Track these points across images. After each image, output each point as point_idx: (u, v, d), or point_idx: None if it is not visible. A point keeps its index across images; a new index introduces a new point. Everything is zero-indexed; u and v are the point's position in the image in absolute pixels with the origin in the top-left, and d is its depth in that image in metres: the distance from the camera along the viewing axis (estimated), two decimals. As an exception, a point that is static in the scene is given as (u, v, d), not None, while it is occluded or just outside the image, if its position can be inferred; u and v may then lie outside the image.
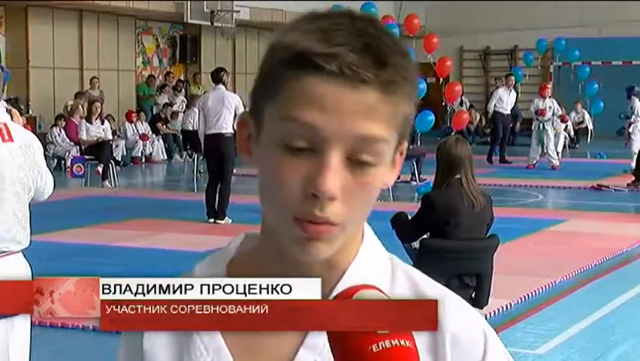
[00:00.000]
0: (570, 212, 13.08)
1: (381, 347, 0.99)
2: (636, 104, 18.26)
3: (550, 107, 18.75)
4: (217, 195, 11.63)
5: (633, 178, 15.43)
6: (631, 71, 25.90)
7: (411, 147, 16.60)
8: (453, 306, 1.17)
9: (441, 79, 14.75)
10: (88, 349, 6.42)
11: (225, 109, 11.44)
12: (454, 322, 1.16)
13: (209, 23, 22.57)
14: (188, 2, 22.00)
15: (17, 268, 3.98)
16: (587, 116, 24.26)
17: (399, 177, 15.84)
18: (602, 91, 23.52)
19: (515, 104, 19.82)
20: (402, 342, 0.99)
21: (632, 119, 18.33)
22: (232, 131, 11.39)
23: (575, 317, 7.29)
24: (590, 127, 24.50)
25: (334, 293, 1.13)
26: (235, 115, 11.33)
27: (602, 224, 11.69)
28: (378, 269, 1.19)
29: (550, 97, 19.05)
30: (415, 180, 15.07)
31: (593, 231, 11.19)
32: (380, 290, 1.03)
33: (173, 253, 9.56)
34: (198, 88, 23.50)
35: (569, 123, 22.44)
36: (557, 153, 19.12)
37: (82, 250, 9.80)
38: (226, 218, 11.65)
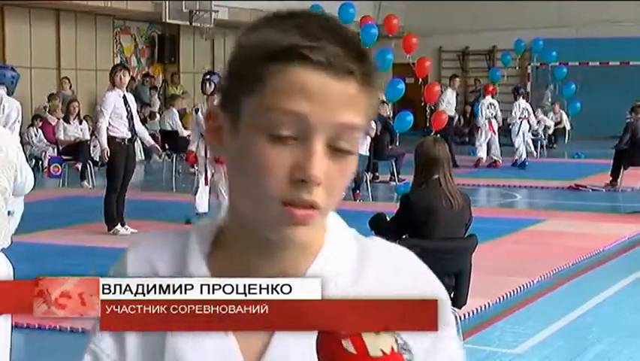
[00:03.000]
0: (548, 212, 13.14)
1: None
2: (520, 104, 18.54)
3: (490, 106, 19.10)
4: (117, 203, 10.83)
5: (611, 178, 15.54)
6: (608, 72, 26.05)
7: (390, 147, 16.31)
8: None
9: (420, 79, 14.77)
10: (65, 350, 6.39)
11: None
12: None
13: (188, 23, 22.48)
14: (167, 2, 21.90)
15: None
16: (564, 116, 24.37)
17: (378, 178, 15.94)
18: (580, 92, 23.63)
19: (457, 104, 19.94)
20: None
21: (515, 119, 18.67)
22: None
23: (553, 316, 7.33)
24: (568, 127, 24.60)
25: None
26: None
27: (579, 224, 11.75)
28: (347, 252, 1.24)
29: (492, 97, 19.49)
30: (394, 180, 15.09)
31: (571, 230, 11.25)
32: None
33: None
34: (176, 88, 23.41)
35: (548, 123, 22.59)
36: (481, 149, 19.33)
37: (60, 250, 9.75)
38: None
